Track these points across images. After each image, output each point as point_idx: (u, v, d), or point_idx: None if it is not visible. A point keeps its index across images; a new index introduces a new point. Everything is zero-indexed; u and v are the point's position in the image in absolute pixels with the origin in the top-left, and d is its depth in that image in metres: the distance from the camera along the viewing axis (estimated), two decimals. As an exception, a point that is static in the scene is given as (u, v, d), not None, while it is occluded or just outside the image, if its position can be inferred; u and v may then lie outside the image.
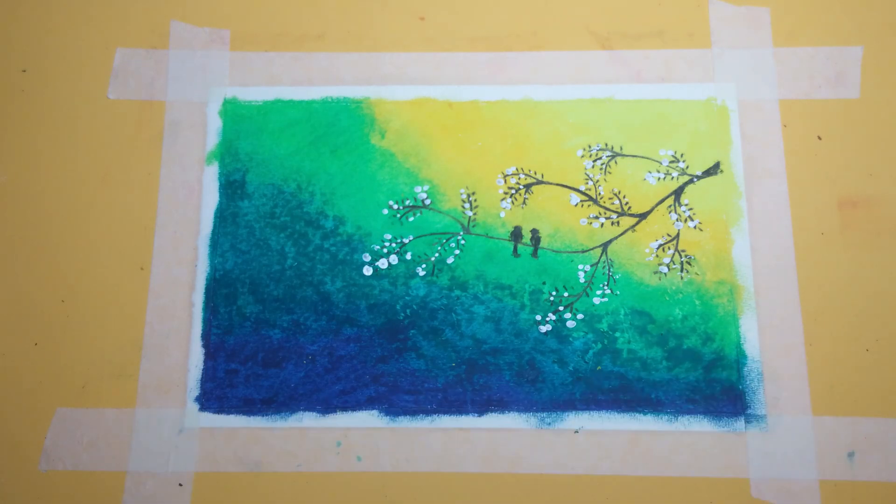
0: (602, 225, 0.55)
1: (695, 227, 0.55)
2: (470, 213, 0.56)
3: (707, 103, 0.57)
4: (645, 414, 0.52)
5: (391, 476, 0.51)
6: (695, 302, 0.53)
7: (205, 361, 0.53)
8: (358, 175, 0.56)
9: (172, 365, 0.53)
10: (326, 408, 0.52)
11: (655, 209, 0.55)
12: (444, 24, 0.60)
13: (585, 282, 0.54)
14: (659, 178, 0.56)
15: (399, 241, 0.55)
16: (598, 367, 0.52)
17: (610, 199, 0.56)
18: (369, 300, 0.54)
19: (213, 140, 0.57)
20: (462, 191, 0.56)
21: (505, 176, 0.56)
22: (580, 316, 0.53)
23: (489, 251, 0.55)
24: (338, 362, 0.53)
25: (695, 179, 0.56)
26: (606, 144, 0.56)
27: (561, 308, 0.54)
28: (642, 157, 0.56)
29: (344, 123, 0.57)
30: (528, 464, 0.51)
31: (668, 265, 0.54)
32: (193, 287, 0.55)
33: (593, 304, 0.54)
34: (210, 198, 0.56)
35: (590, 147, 0.57)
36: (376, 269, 0.55)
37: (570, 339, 0.53)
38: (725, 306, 0.53)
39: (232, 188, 0.56)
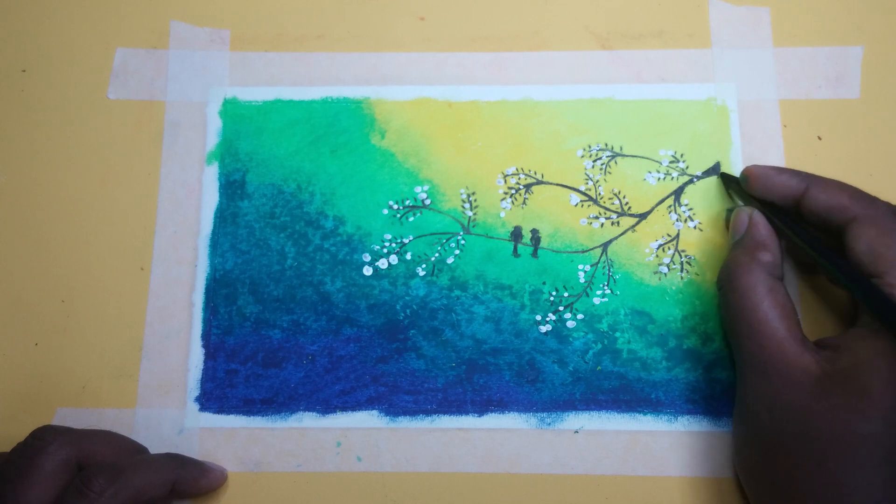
0: (602, 225, 0.55)
1: (695, 228, 0.55)
2: (470, 213, 0.56)
3: (707, 103, 0.57)
4: (645, 414, 0.52)
5: (391, 476, 0.51)
6: (695, 302, 0.53)
7: (205, 361, 0.53)
8: (358, 175, 0.56)
9: (172, 365, 0.53)
10: (326, 408, 0.52)
11: (655, 209, 0.55)
12: (444, 24, 0.60)
13: (585, 282, 0.54)
14: (659, 179, 0.56)
15: (399, 241, 0.55)
16: (598, 368, 0.52)
17: (610, 199, 0.56)
18: (369, 300, 0.54)
19: (213, 140, 0.57)
20: (462, 191, 0.56)
21: (505, 176, 0.56)
22: (580, 316, 0.53)
23: (489, 251, 0.55)
24: (338, 362, 0.53)
25: (695, 179, 0.56)
26: (606, 144, 0.56)
27: (561, 308, 0.54)
28: (642, 158, 0.56)
29: (344, 123, 0.57)
30: (528, 464, 0.51)
31: (668, 265, 0.54)
32: (193, 287, 0.55)
33: (593, 304, 0.54)
34: (210, 198, 0.56)
35: (590, 147, 0.57)
36: (376, 269, 0.55)
37: (570, 339, 0.53)
38: (725, 306, 0.53)
39: (232, 188, 0.56)
